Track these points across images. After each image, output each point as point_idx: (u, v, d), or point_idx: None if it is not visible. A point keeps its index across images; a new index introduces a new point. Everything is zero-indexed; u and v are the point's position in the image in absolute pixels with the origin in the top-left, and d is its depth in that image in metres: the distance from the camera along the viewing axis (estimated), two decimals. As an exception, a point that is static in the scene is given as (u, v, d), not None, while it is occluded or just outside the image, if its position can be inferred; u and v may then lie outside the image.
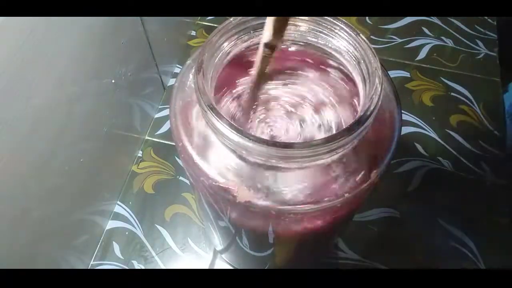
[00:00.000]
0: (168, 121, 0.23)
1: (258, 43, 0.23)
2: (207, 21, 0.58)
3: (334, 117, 0.24)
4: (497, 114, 0.48)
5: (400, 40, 0.55)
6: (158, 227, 0.41)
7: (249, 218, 0.22)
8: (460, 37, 0.55)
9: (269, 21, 0.19)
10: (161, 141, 0.47)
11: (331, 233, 0.31)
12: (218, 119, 0.18)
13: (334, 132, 0.23)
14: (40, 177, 0.28)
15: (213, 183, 0.20)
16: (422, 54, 0.54)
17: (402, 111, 0.23)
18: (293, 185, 0.20)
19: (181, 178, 0.44)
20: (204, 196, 0.24)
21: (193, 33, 0.57)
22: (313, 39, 0.23)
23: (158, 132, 0.47)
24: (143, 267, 0.39)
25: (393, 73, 0.52)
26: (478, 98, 0.50)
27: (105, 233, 0.41)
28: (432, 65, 0.53)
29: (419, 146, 0.46)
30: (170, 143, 0.47)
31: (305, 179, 0.20)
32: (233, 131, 0.18)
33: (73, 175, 0.33)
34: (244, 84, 0.25)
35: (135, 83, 0.41)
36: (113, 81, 0.36)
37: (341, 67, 0.24)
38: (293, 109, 0.25)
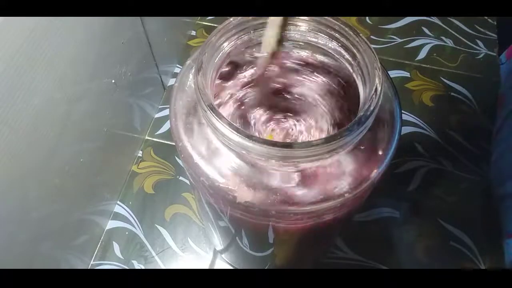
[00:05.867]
0: (168, 121, 0.23)
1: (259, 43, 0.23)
2: (207, 21, 0.58)
3: (334, 116, 0.24)
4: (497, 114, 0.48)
5: (400, 40, 0.55)
6: (158, 227, 0.41)
7: (249, 218, 0.22)
8: (460, 37, 0.55)
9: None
10: (161, 141, 0.47)
11: (331, 233, 0.31)
12: (218, 119, 0.18)
13: (333, 132, 0.23)
14: (40, 177, 0.28)
15: (213, 183, 0.20)
16: (422, 54, 0.54)
17: (402, 111, 0.23)
18: (293, 185, 0.20)
19: (181, 178, 0.44)
20: (204, 196, 0.24)
21: (193, 33, 0.57)
22: (313, 39, 0.23)
23: (158, 132, 0.47)
24: (143, 267, 0.39)
25: (393, 73, 0.52)
26: (478, 98, 0.50)
27: (105, 233, 0.41)
28: (432, 65, 0.53)
29: (419, 146, 0.46)
30: (170, 143, 0.47)
31: (305, 179, 0.20)
32: (233, 131, 0.18)
33: (73, 175, 0.33)
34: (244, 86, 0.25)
35: (135, 83, 0.41)
36: (113, 81, 0.36)
37: (341, 67, 0.24)
38: (293, 109, 0.25)
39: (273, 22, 0.20)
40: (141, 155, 0.46)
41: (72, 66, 0.29)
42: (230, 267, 0.40)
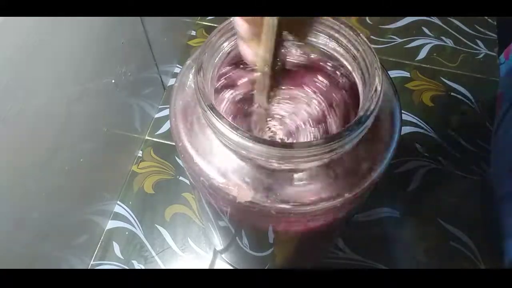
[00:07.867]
0: (168, 121, 0.23)
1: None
2: (207, 21, 0.58)
3: (334, 117, 0.24)
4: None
5: (400, 40, 0.55)
6: (158, 227, 0.41)
7: (249, 218, 0.22)
8: (460, 37, 0.56)
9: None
10: (161, 141, 0.47)
11: (331, 233, 0.31)
12: (218, 119, 0.18)
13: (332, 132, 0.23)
14: (40, 177, 0.28)
15: (213, 183, 0.20)
16: (422, 54, 0.54)
17: (402, 111, 0.23)
18: (293, 185, 0.20)
19: (181, 178, 0.44)
20: (204, 196, 0.24)
21: (193, 33, 0.57)
22: (313, 39, 0.23)
23: (158, 132, 0.47)
24: (143, 267, 0.39)
25: (393, 73, 0.52)
26: (478, 98, 0.50)
27: (105, 233, 0.41)
28: (432, 65, 0.53)
29: (419, 146, 0.46)
30: (170, 143, 0.47)
31: (305, 179, 0.20)
32: (233, 131, 0.18)
33: (73, 175, 0.33)
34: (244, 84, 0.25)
35: (135, 83, 0.41)
36: (113, 81, 0.36)
37: (341, 67, 0.24)
38: (294, 110, 0.25)
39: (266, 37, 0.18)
40: (141, 155, 0.46)
41: (72, 66, 0.29)
42: (230, 267, 0.40)
